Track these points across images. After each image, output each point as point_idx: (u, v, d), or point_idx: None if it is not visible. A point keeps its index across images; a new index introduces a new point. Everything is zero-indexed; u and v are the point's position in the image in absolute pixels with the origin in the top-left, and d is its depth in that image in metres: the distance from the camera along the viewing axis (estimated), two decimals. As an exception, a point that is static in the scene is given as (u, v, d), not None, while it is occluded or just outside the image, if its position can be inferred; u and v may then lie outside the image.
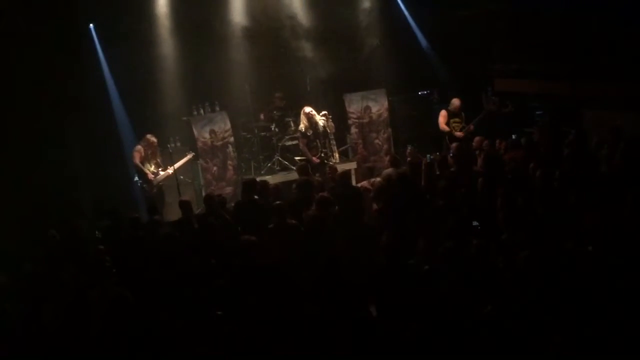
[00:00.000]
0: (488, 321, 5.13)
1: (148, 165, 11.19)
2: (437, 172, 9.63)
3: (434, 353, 4.92)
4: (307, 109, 11.61)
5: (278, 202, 8.31)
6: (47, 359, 5.73)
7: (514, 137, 10.47)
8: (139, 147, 11.22)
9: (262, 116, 13.17)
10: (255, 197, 8.99)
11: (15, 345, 5.97)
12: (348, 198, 8.64)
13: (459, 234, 6.67)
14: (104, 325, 6.14)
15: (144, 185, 11.14)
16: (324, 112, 11.67)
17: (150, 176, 11.11)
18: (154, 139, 11.29)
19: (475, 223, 7.41)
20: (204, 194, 11.72)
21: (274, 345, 5.30)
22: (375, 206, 8.97)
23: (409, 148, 11.22)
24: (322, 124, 11.63)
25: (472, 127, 11.80)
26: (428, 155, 10.48)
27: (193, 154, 12.01)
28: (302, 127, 11.66)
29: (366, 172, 11.80)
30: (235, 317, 5.79)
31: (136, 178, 11.24)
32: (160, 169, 11.32)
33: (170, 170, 11.36)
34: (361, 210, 8.47)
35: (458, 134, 11.78)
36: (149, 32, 12.43)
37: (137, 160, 11.13)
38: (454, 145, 11.00)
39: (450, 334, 5.02)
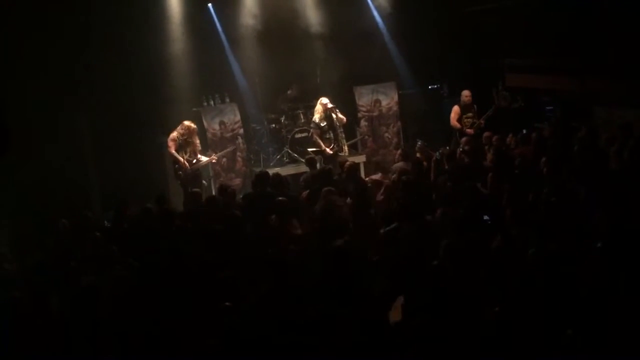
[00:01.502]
0: (496, 321, 5.10)
1: (182, 153, 10.98)
2: (446, 167, 9.63)
3: (440, 351, 4.92)
4: (324, 100, 11.51)
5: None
6: (55, 347, 5.75)
7: (524, 132, 10.44)
8: (174, 135, 10.99)
9: (289, 92, 13.08)
10: (268, 189, 9.01)
11: (24, 333, 6.00)
12: (356, 191, 8.68)
13: (466, 227, 6.68)
14: (112, 314, 6.19)
15: (179, 172, 11.01)
16: (331, 105, 11.61)
17: (185, 164, 10.94)
18: (193, 125, 11.11)
19: (485, 217, 7.39)
20: (213, 185, 11.78)
21: (281, 337, 5.31)
22: (381, 197, 8.98)
23: (419, 143, 11.18)
24: (334, 117, 11.57)
25: (482, 122, 11.74)
26: (437, 153, 10.47)
27: (233, 147, 12.25)
28: (316, 117, 11.55)
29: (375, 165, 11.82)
30: (244, 308, 5.81)
31: (173, 160, 11.08)
32: (199, 155, 11.16)
33: (214, 157, 11.41)
34: (368, 203, 8.50)
35: (469, 130, 11.70)
36: (159, 23, 12.45)
37: (172, 150, 10.94)
38: (464, 139, 10.98)
39: (457, 332, 5.02)
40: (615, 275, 5.49)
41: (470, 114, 11.89)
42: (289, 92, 13.13)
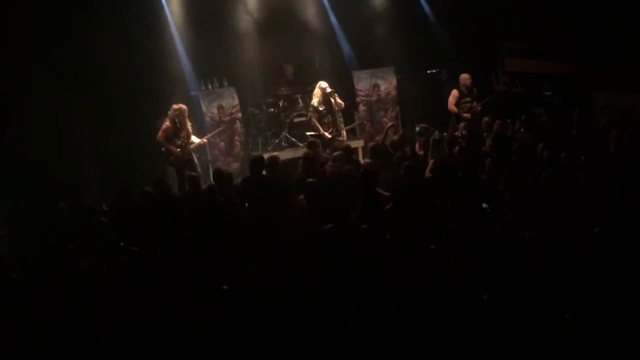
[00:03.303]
0: (485, 310, 5.10)
1: (175, 140, 10.84)
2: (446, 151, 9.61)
3: (435, 339, 4.93)
4: (324, 84, 11.45)
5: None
6: (52, 329, 5.76)
7: (523, 117, 10.42)
8: (167, 124, 10.79)
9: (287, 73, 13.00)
10: (264, 173, 8.99)
11: (21, 315, 6.01)
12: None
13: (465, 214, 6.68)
14: (110, 297, 6.20)
15: (171, 157, 10.92)
16: (330, 90, 11.56)
17: (178, 152, 10.83)
18: (183, 107, 10.89)
19: (484, 205, 7.38)
20: (211, 169, 11.75)
21: (280, 321, 5.33)
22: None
23: (418, 127, 11.12)
24: (332, 101, 11.54)
25: (479, 107, 11.71)
26: (436, 132, 10.45)
27: (225, 126, 12.14)
28: (315, 101, 11.49)
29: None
30: (243, 291, 5.82)
31: (163, 149, 10.96)
32: (192, 138, 11.04)
33: (204, 140, 11.33)
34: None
35: (465, 115, 11.68)
36: (158, 7, 12.39)
37: (162, 139, 10.79)
38: (461, 125, 10.96)
39: (452, 320, 5.02)
40: (612, 260, 5.50)
41: (468, 99, 11.85)
42: (285, 74, 13.05)
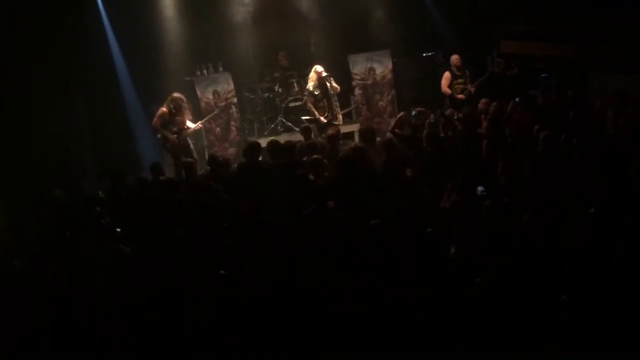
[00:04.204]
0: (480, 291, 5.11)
1: (171, 126, 10.84)
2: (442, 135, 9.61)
3: (432, 320, 4.94)
4: (319, 68, 11.41)
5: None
6: (51, 316, 5.78)
7: (517, 99, 10.40)
8: (163, 109, 10.81)
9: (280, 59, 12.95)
10: (260, 158, 9.01)
11: (22, 302, 6.03)
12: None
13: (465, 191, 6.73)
14: (107, 283, 6.21)
15: (167, 144, 10.93)
16: (326, 74, 11.52)
17: (173, 139, 10.83)
18: (181, 96, 10.92)
19: (480, 188, 7.38)
20: (207, 155, 11.74)
21: (275, 305, 5.34)
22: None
23: (415, 111, 11.09)
24: (328, 85, 11.50)
25: (473, 89, 11.72)
26: (432, 115, 10.45)
27: (219, 110, 12.18)
28: (310, 85, 11.45)
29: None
30: (239, 277, 5.84)
31: (159, 135, 11.01)
32: (187, 123, 11.05)
33: (199, 125, 11.31)
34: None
35: (459, 96, 11.71)
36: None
37: (157, 125, 10.83)
38: (449, 111, 10.92)
39: (450, 301, 5.04)
40: (609, 241, 5.52)
41: (461, 80, 11.89)
42: (280, 62, 12.99)
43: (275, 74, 12.91)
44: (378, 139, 9.75)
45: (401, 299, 5.17)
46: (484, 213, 6.37)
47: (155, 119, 10.86)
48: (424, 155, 8.62)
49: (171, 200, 8.15)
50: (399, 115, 10.86)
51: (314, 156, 8.46)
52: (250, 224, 7.14)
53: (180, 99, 10.87)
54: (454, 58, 11.96)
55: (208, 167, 9.38)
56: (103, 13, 12.08)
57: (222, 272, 5.74)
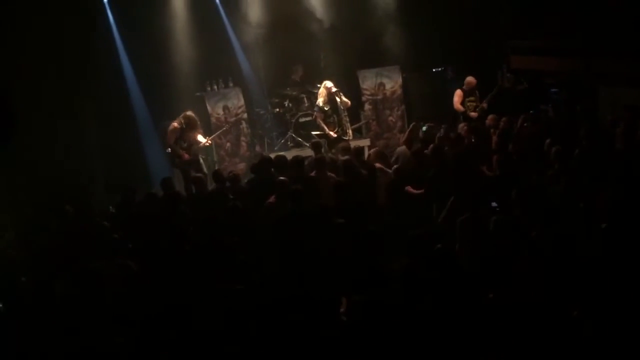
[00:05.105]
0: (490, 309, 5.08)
1: (181, 142, 10.87)
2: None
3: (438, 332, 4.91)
4: (329, 84, 11.46)
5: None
6: (59, 331, 5.77)
7: (529, 112, 10.39)
8: (174, 125, 10.86)
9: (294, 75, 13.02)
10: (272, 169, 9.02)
11: (29, 317, 6.03)
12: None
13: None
14: (115, 298, 6.20)
15: (176, 160, 10.96)
16: (335, 89, 11.55)
17: (184, 155, 10.86)
18: (194, 115, 10.97)
19: (494, 204, 7.35)
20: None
21: (290, 318, 5.31)
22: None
23: (425, 126, 11.07)
24: (337, 100, 11.51)
25: (485, 105, 11.72)
26: (442, 130, 10.44)
27: (229, 125, 12.21)
28: (320, 101, 11.49)
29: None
30: (255, 291, 5.82)
31: (168, 150, 11.05)
32: (198, 137, 11.08)
33: (208, 141, 11.33)
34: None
35: (472, 114, 11.69)
36: (163, 7, 12.41)
37: (171, 141, 10.86)
38: (461, 125, 10.91)
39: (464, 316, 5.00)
40: (619, 257, 5.47)
41: (472, 98, 11.89)
42: (293, 76, 13.06)
43: (286, 91, 12.92)
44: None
45: (414, 314, 5.14)
46: (492, 228, 6.33)
47: (168, 135, 10.91)
48: (431, 170, 8.59)
49: (179, 214, 8.15)
50: (412, 125, 10.83)
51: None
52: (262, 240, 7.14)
53: (193, 117, 10.93)
54: (471, 81, 11.93)
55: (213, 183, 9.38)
56: (114, 29, 12.20)
57: (238, 287, 5.72)
